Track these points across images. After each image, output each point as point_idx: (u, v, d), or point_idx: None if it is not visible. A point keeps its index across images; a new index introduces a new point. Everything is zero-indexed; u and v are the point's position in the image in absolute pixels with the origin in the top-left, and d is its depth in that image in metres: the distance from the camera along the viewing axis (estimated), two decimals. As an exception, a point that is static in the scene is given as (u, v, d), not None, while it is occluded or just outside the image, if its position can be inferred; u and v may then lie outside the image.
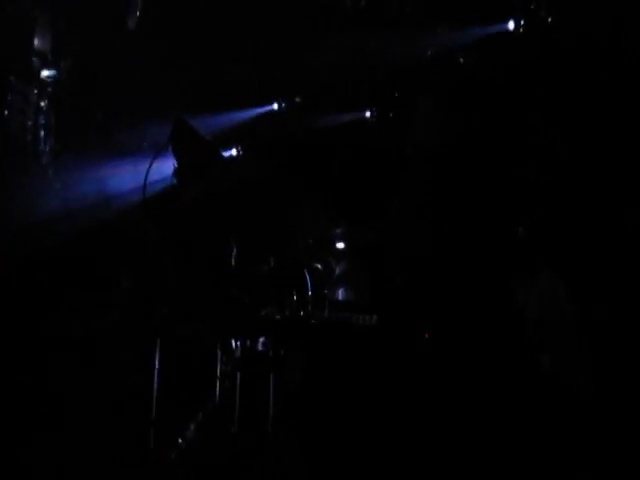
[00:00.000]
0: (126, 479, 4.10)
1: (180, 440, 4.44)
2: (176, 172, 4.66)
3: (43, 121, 6.26)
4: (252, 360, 4.38)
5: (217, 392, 4.40)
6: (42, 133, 6.26)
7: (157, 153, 4.82)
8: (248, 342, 4.37)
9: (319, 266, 5.09)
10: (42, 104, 6.26)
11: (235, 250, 4.55)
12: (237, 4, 6.28)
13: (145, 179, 4.73)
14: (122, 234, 6.02)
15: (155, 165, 4.93)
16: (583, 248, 5.19)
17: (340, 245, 5.61)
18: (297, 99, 6.57)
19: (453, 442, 4.39)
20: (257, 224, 4.86)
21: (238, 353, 4.37)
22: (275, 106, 6.65)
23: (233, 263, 4.52)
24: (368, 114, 6.50)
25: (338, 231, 5.66)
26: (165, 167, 5.16)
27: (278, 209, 5.36)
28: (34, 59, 6.19)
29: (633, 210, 5.13)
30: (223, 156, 5.04)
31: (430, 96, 6.24)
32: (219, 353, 4.40)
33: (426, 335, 4.81)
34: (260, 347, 4.42)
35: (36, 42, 6.14)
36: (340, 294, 5.45)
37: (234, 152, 6.50)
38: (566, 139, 5.53)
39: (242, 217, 4.76)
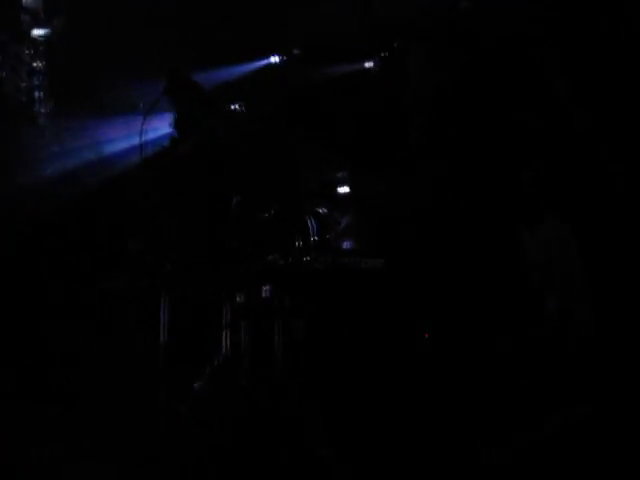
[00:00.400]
0: (138, 434, 4.09)
1: (191, 393, 4.44)
2: (175, 122, 4.56)
3: (37, 82, 6.12)
4: (256, 309, 4.34)
5: (223, 344, 4.37)
6: (37, 94, 6.14)
7: (150, 109, 4.70)
8: (252, 291, 4.32)
9: (322, 211, 5.00)
10: (35, 64, 6.12)
11: (237, 198, 4.48)
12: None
13: (140, 136, 4.64)
14: (124, 195, 5.94)
15: (151, 122, 4.86)
16: (589, 196, 5.16)
17: (344, 189, 5.52)
18: (296, 51, 6.42)
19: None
20: (258, 171, 4.79)
21: (242, 303, 4.33)
22: (274, 59, 6.50)
23: (235, 212, 4.45)
24: (371, 64, 6.36)
25: (341, 175, 5.57)
26: (160, 124, 5.09)
27: (279, 155, 5.28)
28: (24, 17, 6.03)
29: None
30: (221, 105, 4.92)
31: (422, 46, 6.12)
32: (224, 305, 4.36)
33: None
34: (265, 295, 4.37)
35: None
36: (346, 245, 5.40)
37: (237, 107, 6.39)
38: (567, 83, 5.43)
39: (243, 165, 4.69)
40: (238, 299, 4.37)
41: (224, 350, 4.37)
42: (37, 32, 6.05)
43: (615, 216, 5.19)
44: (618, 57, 5.31)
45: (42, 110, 6.16)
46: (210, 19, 6.21)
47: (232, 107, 5.03)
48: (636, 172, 5.11)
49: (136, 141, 5.30)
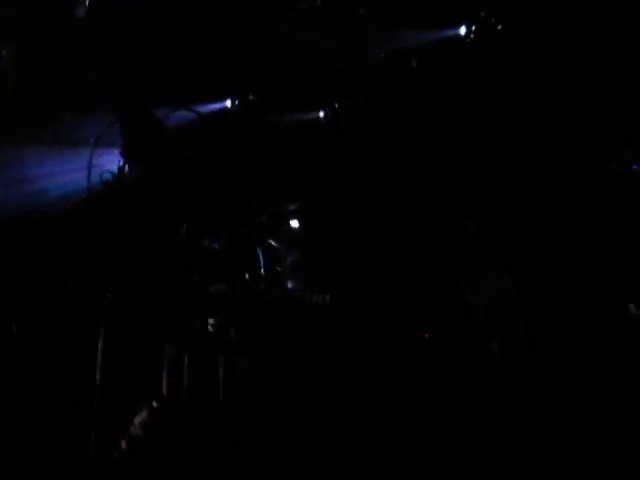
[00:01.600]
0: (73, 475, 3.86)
1: (124, 438, 4.24)
2: (123, 148, 4.49)
3: (-18, 110, 5.97)
4: (201, 342, 4.22)
5: (163, 382, 4.21)
6: (-19, 122, 5.97)
7: (98, 139, 4.63)
8: (197, 324, 4.21)
9: (273, 243, 4.97)
10: (-17, 92, 5.98)
11: (184, 227, 4.40)
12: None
13: (89, 166, 4.54)
14: (63, 227, 5.76)
15: (100, 156, 4.78)
16: (527, 243, 5.35)
17: (294, 223, 5.53)
18: (250, 97, 6.50)
19: (398, 421, 4.37)
20: (207, 200, 4.74)
21: (186, 336, 4.20)
22: (228, 103, 6.56)
23: (182, 241, 4.36)
24: (322, 114, 6.50)
25: (292, 208, 5.58)
26: (109, 159, 5.01)
27: (229, 184, 5.26)
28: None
29: (578, 205, 5.33)
30: (171, 131, 4.89)
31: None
32: (167, 338, 4.22)
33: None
34: (210, 329, 4.25)
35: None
36: (289, 284, 5.37)
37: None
38: (513, 138, 5.69)
39: (191, 192, 4.64)
40: (182, 333, 4.24)
41: (163, 389, 4.20)
42: (-16, 60, 5.94)
43: (555, 264, 5.38)
44: (568, 114, 5.62)
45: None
46: (164, 58, 6.23)
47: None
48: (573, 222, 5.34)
49: (79, 175, 5.22)
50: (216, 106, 6.49)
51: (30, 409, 4.65)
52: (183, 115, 5.16)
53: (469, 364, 4.95)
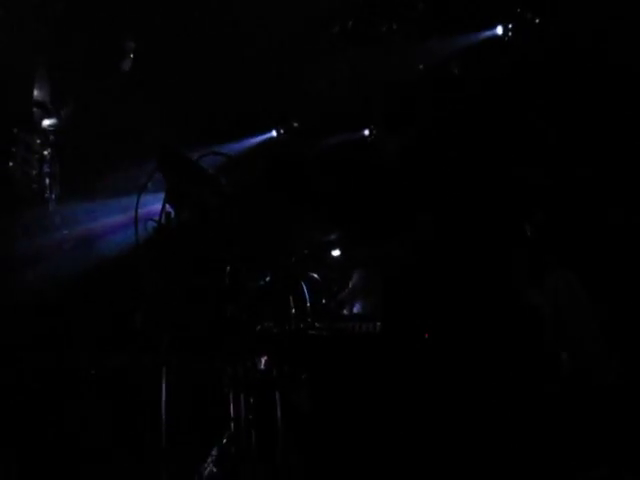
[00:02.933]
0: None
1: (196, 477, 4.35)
2: (167, 196, 4.63)
3: (47, 169, 6.37)
4: (256, 381, 4.26)
5: (231, 424, 4.29)
6: (47, 181, 6.37)
7: (143, 186, 4.79)
8: (249, 363, 4.26)
9: (316, 275, 4.98)
10: (45, 152, 6.38)
11: (229, 268, 4.48)
12: (222, 42, 6.33)
13: (135, 213, 4.69)
14: (127, 275, 6.04)
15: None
16: (593, 245, 5.11)
17: (335, 252, 5.52)
18: (295, 124, 6.60)
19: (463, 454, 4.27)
20: (250, 239, 4.81)
21: (239, 375, 4.26)
22: (274, 133, 6.68)
23: (228, 281, 4.44)
24: (367, 132, 6.50)
25: (332, 238, 5.59)
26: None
27: (270, 222, 5.33)
28: (35, 109, 6.32)
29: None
30: (213, 175, 5.01)
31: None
32: (223, 379, 4.30)
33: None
34: (262, 367, 4.30)
35: (36, 92, 6.27)
36: (356, 307, 5.35)
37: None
38: (564, 137, 5.47)
39: (235, 234, 4.72)
40: (235, 372, 4.31)
41: (230, 428, 4.28)
42: (46, 122, 6.33)
43: (623, 264, 5.13)
44: (613, 111, 5.36)
45: (52, 196, 6.38)
46: (206, 100, 6.43)
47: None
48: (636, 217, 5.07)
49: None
50: (263, 137, 6.62)
51: (100, 446, 4.85)
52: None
53: (538, 371, 4.78)
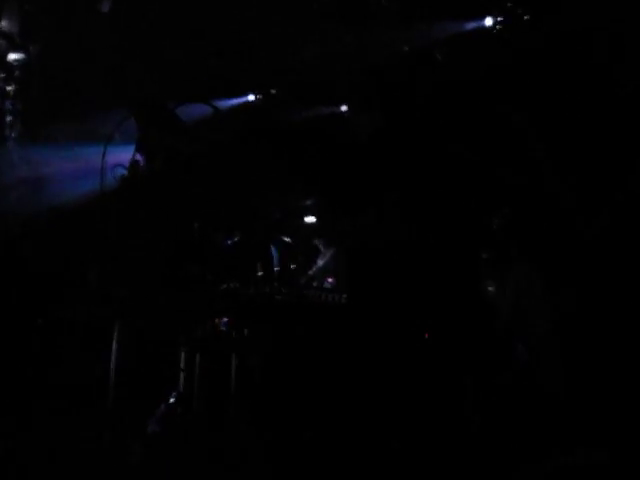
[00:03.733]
0: (88, 474, 3.89)
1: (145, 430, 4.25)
2: (139, 143, 4.47)
3: (9, 106, 6.07)
4: (213, 341, 4.18)
5: (180, 379, 4.21)
6: (8, 118, 6.07)
7: (112, 133, 4.61)
8: (209, 323, 4.17)
9: (287, 239, 4.88)
10: (9, 88, 6.07)
11: (197, 224, 4.36)
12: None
13: (102, 161, 4.52)
14: (87, 223, 5.83)
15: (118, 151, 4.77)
16: (557, 239, 5.21)
17: (310, 219, 5.43)
18: (272, 91, 6.48)
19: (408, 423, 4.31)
20: (220, 197, 4.69)
21: (199, 334, 4.17)
22: (251, 97, 6.54)
23: (195, 238, 4.32)
24: (344, 108, 6.44)
25: (308, 203, 5.49)
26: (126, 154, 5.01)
27: (244, 181, 5.21)
28: (0, 41, 6.00)
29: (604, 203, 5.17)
30: (187, 125, 4.85)
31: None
32: (180, 336, 4.20)
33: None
34: (222, 327, 4.22)
35: (3, 23, 5.95)
36: (327, 283, 5.29)
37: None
38: (539, 132, 5.55)
39: (205, 190, 4.60)
40: (195, 331, 4.22)
41: (179, 387, 4.21)
42: (12, 56, 6.02)
43: (582, 261, 5.24)
44: (595, 109, 5.45)
45: (12, 134, 6.09)
46: (187, 53, 6.23)
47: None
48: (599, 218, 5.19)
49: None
50: (238, 101, 6.48)
51: (45, 404, 4.69)
52: (199, 110, 5.14)
53: (492, 364, 4.85)
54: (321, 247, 5.22)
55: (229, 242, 4.53)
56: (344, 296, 4.35)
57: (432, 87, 6.24)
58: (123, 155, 4.97)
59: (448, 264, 5.61)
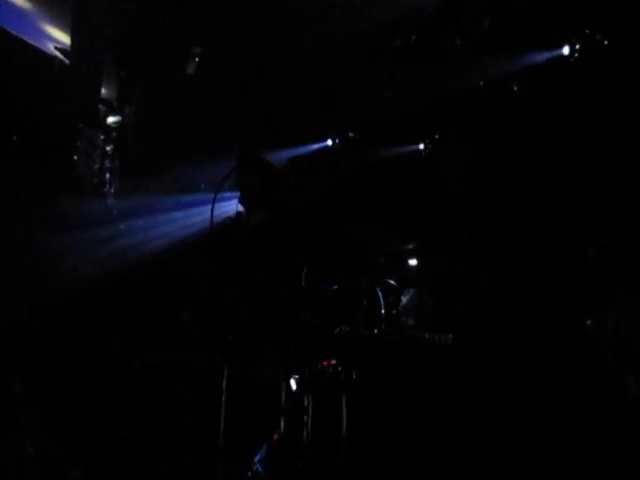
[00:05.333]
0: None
1: (249, 473, 4.34)
2: (242, 197, 4.69)
3: (108, 164, 6.58)
4: (323, 383, 4.21)
5: (284, 421, 4.26)
6: (107, 176, 6.58)
7: (221, 184, 4.84)
8: (318, 365, 4.22)
9: (392, 282, 4.90)
10: (108, 148, 6.60)
11: (305, 270, 4.47)
12: (289, 51, 6.42)
13: (212, 209, 4.75)
14: (181, 268, 6.15)
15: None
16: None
17: (413, 262, 5.40)
18: (351, 134, 6.62)
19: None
20: (326, 242, 4.79)
21: (307, 376, 4.20)
22: (329, 142, 6.72)
23: (303, 283, 4.43)
24: (422, 146, 6.47)
25: (411, 247, 5.47)
26: (225, 204, 5.28)
27: (347, 226, 5.29)
28: (100, 106, 6.55)
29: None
30: (290, 177, 5.05)
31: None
32: (289, 379, 4.26)
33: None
34: (330, 370, 4.26)
35: (103, 90, 6.50)
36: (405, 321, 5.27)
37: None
38: (628, 161, 5.32)
39: (311, 235, 4.72)
40: (303, 374, 4.27)
41: (284, 427, 4.25)
42: (111, 119, 6.55)
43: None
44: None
45: (111, 190, 6.58)
46: (267, 105, 6.52)
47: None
48: None
49: (194, 219, 5.51)
50: (317, 146, 6.67)
51: (156, 441, 4.89)
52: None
53: (601, 398, 4.59)
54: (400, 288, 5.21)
55: (336, 287, 4.62)
56: (450, 336, 4.32)
57: (512, 118, 6.16)
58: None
59: (546, 300, 5.39)
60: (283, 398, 4.34)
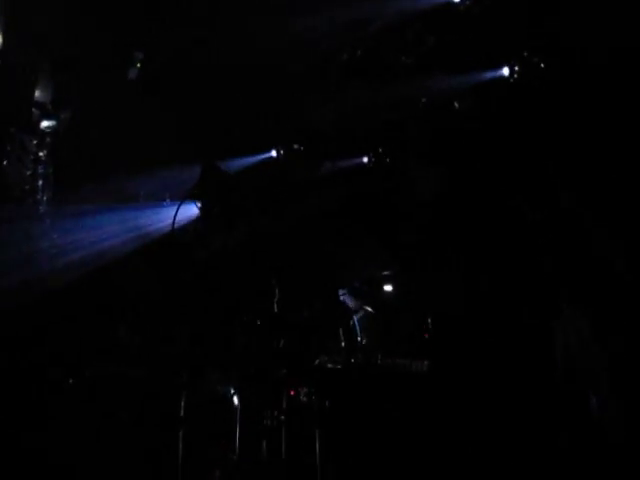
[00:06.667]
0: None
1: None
2: (204, 217, 4.54)
3: (41, 170, 6.26)
4: (297, 412, 4.09)
5: (264, 446, 4.12)
6: (40, 182, 6.26)
7: (183, 199, 4.71)
8: (291, 395, 4.10)
9: (369, 309, 4.82)
10: (41, 154, 6.28)
11: (277, 295, 4.35)
12: (235, 59, 6.34)
13: (173, 221, 4.59)
14: (119, 282, 5.92)
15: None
16: (601, 287, 5.07)
17: (388, 288, 5.33)
18: (295, 146, 6.60)
19: None
20: (300, 267, 4.68)
21: (283, 405, 4.08)
22: (274, 153, 6.67)
23: (275, 309, 4.31)
24: (365, 159, 6.52)
25: (386, 273, 5.39)
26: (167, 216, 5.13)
27: (322, 251, 5.20)
28: (34, 110, 6.24)
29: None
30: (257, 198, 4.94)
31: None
32: (266, 408, 4.11)
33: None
34: (303, 398, 4.15)
35: (37, 93, 6.20)
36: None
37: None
38: (572, 178, 5.51)
39: (284, 259, 4.60)
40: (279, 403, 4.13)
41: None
42: (44, 124, 6.25)
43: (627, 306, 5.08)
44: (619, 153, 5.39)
45: (44, 197, 6.26)
46: (210, 115, 6.40)
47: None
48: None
49: (131, 232, 5.31)
50: (261, 157, 6.61)
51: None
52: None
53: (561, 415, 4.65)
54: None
55: (309, 314, 4.51)
56: (425, 363, 4.28)
57: (453, 136, 6.29)
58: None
59: (526, 324, 5.44)
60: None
